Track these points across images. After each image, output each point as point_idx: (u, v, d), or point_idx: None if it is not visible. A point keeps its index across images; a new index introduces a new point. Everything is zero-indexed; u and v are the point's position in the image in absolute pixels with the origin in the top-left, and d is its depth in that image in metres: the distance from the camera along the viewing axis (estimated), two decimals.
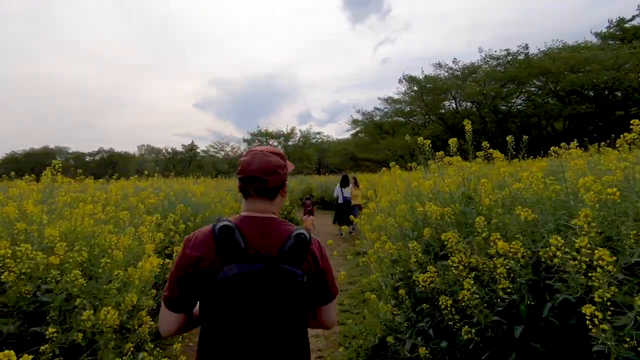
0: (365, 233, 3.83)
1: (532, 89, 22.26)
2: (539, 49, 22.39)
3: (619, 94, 19.26)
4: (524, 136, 3.35)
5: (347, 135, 40.73)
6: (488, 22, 66.68)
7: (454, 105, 25.51)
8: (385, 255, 3.33)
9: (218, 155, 42.99)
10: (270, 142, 36.54)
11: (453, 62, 24.10)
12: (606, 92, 19.50)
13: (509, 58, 22.46)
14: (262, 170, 1.19)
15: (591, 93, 19.49)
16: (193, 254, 1.13)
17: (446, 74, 24.35)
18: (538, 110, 20.71)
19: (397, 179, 4.00)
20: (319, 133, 39.63)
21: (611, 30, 24.73)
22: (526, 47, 21.88)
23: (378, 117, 30.54)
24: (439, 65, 24.02)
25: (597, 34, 24.93)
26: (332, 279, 1.28)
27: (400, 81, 24.41)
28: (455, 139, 3.42)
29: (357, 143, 32.68)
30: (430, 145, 3.13)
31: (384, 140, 27.86)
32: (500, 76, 21.18)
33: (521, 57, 22.11)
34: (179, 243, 4.84)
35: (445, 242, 2.30)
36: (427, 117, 28.99)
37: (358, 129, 33.31)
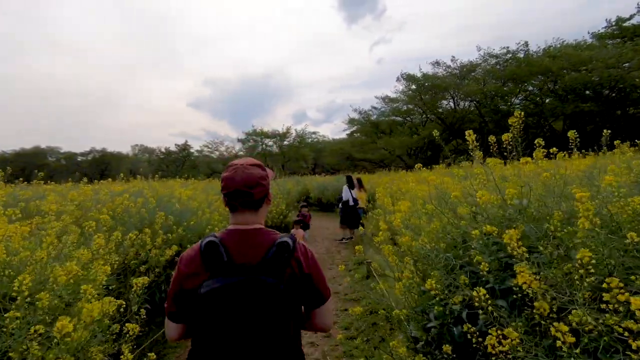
0: (387, 255, 3.01)
1: (530, 88, 21.72)
2: (538, 47, 21.87)
3: (615, 93, 18.75)
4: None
5: (343, 135, 40.07)
6: (483, 23, 66.43)
7: (452, 105, 24.89)
8: (411, 283, 2.57)
9: (212, 155, 42.07)
10: (266, 142, 35.71)
11: (451, 60, 23.47)
12: (606, 91, 18.97)
13: (509, 56, 21.87)
14: (246, 184, 1.25)
15: (592, 91, 18.89)
16: (183, 270, 1.22)
17: (444, 72, 23.72)
18: (539, 109, 20.10)
19: (429, 185, 3.19)
20: (314, 133, 38.88)
21: (609, 30, 24.30)
22: (526, 44, 21.31)
23: (375, 116, 29.85)
24: (437, 64, 23.38)
25: (594, 34, 24.49)
26: (322, 282, 1.29)
27: (398, 79, 23.76)
28: (492, 136, 2.69)
29: (353, 143, 31.95)
30: (475, 140, 2.34)
31: (381, 139, 27.14)
32: (501, 74, 20.56)
33: (521, 55, 21.55)
34: (158, 257, 4.11)
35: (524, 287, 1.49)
36: (424, 116, 28.37)
37: (354, 128, 32.59)
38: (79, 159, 49.63)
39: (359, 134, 32.98)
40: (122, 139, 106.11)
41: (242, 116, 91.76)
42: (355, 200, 9.19)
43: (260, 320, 1.16)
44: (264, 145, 35.59)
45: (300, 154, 35.46)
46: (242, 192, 1.24)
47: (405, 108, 28.65)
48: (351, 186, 9.31)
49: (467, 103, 24.93)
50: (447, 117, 24.40)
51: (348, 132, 35.61)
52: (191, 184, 9.09)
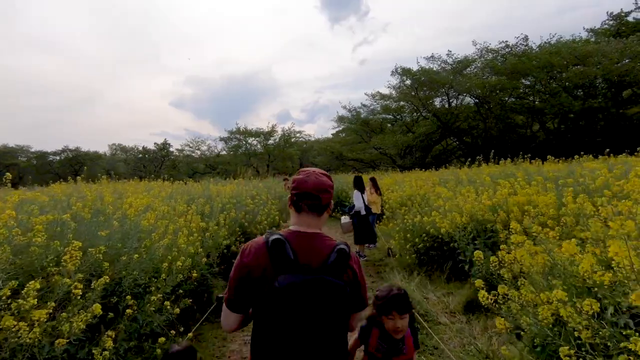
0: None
1: (527, 83, 20.31)
2: (534, 43, 20.50)
3: (621, 89, 17.55)
4: None
5: (328, 135, 38.11)
6: (466, 25, 65.75)
7: (447, 101, 23.26)
8: None
9: (194, 154, 39.33)
10: (250, 141, 33.34)
11: (447, 55, 21.85)
12: (607, 88, 17.71)
13: (507, 50, 20.41)
14: (317, 188, 1.34)
15: (599, 87, 17.53)
16: (248, 262, 1.26)
17: (439, 67, 22.08)
18: (542, 106, 18.61)
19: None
20: (300, 132, 36.73)
21: (605, 26, 23.28)
22: (525, 38, 19.88)
23: (365, 114, 28.00)
24: (432, 58, 21.70)
25: (590, 30, 23.43)
26: (365, 291, 1.40)
27: (393, 73, 21.92)
28: None
29: (343, 142, 30.00)
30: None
31: (373, 138, 25.26)
32: (500, 68, 18.99)
33: (519, 49, 20.12)
34: None
35: None
36: (416, 114, 26.70)
37: (343, 126, 30.67)
38: (50, 159, 46.23)
39: (345, 134, 31.14)
40: (100, 138, 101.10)
41: (225, 116, 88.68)
42: (367, 208, 7.19)
43: (326, 316, 1.22)
44: (247, 145, 33.22)
45: (286, 154, 33.30)
46: (312, 195, 1.32)
47: (396, 106, 26.97)
48: (362, 189, 7.29)
49: (464, 99, 23.37)
50: (443, 114, 22.74)
51: (334, 132, 33.78)
52: (157, 187, 6.89)
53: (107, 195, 4.74)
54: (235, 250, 5.86)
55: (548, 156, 8.04)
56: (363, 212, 7.15)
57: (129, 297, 2.72)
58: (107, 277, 2.55)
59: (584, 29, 20.50)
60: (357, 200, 7.14)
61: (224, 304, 1.34)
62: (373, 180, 7.68)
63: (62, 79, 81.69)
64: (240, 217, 6.46)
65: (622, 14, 22.64)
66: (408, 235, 5.79)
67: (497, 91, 19.05)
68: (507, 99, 19.83)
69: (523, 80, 19.96)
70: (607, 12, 23.13)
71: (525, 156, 8.62)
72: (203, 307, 4.48)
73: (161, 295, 2.99)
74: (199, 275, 4.36)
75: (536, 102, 19.69)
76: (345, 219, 7.20)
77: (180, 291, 3.53)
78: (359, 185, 7.29)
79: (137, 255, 2.95)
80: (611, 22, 23.08)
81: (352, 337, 2.21)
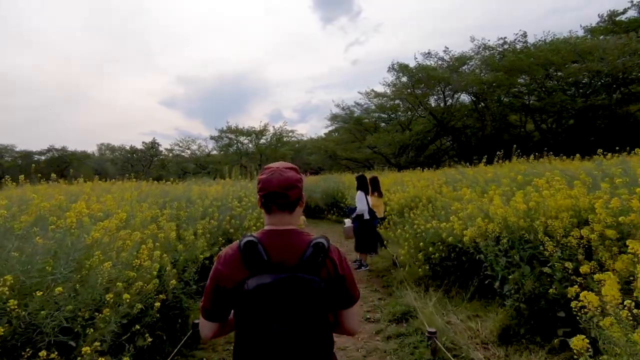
0: None
1: (522, 81, 19.70)
2: (534, 37, 19.86)
3: (623, 87, 17.01)
4: None
5: (320, 134, 37.20)
6: (459, 26, 65.50)
7: (443, 99, 22.54)
8: None
9: (184, 154, 38.09)
10: (241, 140, 32.28)
11: (444, 51, 21.11)
12: (608, 85, 17.13)
13: (505, 47, 19.74)
14: (282, 186, 1.24)
15: (601, 84, 16.94)
16: (222, 269, 1.20)
17: (435, 64, 21.33)
18: (541, 103, 17.96)
19: None
20: (292, 131, 35.74)
21: (601, 24, 22.84)
22: (524, 35, 19.21)
23: (358, 113, 27.19)
24: (429, 55, 20.94)
25: (586, 29, 22.96)
26: (353, 283, 1.29)
27: (389, 70, 21.08)
28: None
29: (337, 140, 29.12)
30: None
31: (368, 137, 24.43)
32: (498, 65, 18.30)
33: (518, 45, 19.49)
34: None
35: None
36: (411, 113, 25.98)
37: (337, 125, 29.81)
38: (35, 158, 44.81)
39: (338, 133, 30.28)
40: (89, 138, 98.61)
41: (217, 115, 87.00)
42: (371, 211, 6.33)
43: (302, 314, 1.15)
44: (239, 144, 32.14)
45: (278, 153, 32.29)
46: (278, 193, 1.24)
47: (391, 104, 26.23)
48: (366, 190, 6.42)
49: (459, 97, 22.70)
50: (438, 112, 22.02)
51: (326, 131, 32.88)
52: (129, 187, 5.93)
53: (57, 196, 3.79)
54: None
55: (549, 154, 7.31)
56: (367, 216, 6.28)
57: (43, 352, 1.80)
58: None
59: (580, 26, 19.83)
60: (361, 203, 6.26)
61: (200, 314, 1.29)
62: (374, 180, 6.82)
63: (47, 76, 79.20)
64: (225, 222, 5.55)
65: (616, 13, 22.22)
66: (421, 243, 4.94)
67: (494, 88, 18.35)
68: (503, 96, 19.14)
69: (520, 79, 19.37)
70: (599, 14, 22.67)
71: (524, 155, 7.95)
72: (176, 336, 3.58)
73: (99, 343, 2.07)
74: (171, 296, 3.47)
75: (531, 101, 19.01)
76: (348, 222, 6.33)
77: (137, 327, 2.62)
78: (362, 185, 6.42)
79: (59, 288, 2.02)
80: (605, 22, 22.65)
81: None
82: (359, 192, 6.36)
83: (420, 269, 5.01)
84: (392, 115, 26.95)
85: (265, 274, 1.14)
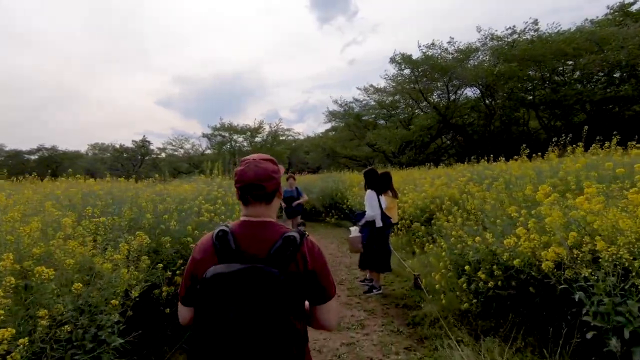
0: None
1: (531, 73, 18.17)
2: (539, 29, 18.32)
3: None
4: None
5: (317, 133, 35.56)
6: (458, 25, 63.90)
7: (446, 94, 20.97)
8: None
9: (177, 153, 36.31)
10: (236, 138, 30.58)
11: (449, 42, 19.54)
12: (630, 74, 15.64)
13: (515, 37, 18.24)
14: (258, 177, 1.22)
15: (623, 73, 15.43)
16: (196, 258, 1.20)
17: (438, 55, 19.74)
18: (557, 96, 16.43)
19: None
20: (288, 129, 34.05)
21: (609, 16, 21.45)
22: (535, 22, 17.70)
23: (358, 109, 25.61)
24: (432, 45, 19.34)
25: (593, 22, 21.55)
26: (326, 279, 1.23)
27: (391, 61, 19.41)
28: None
29: (336, 138, 27.52)
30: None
31: (367, 134, 22.84)
32: (509, 54, 16.77)
33: (528, 36, 17.99)
34: None
35: None
36: (411, 110, 24.45)
37: (334, 123, 28.19)
38: (25, 157, 43.20)
39: (336, 132, 28.69)
40: (83, 138, 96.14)
41: (214, 115, 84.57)
42: (385, 217, 4.72)
43: (257, 310, 1.08)
44: (232, 142, 30.42)
45: (274, 152, 30.63)
46: (255, 185, 1.22)
47: (390, 100, 24.67)
48: (378, 189, 4.80)
49: (463, 92, 21.16)
50: (442, 107, 20.47)
51: (323, 130, 31.25)
52: (62, 185, 4.27)
53: None
54: (168, 292, 3.40)
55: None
56: (379, 223, 4.67)
57: None
58: None
59: (586, 19, 18.26)
60: (371, 205, 4.64)
61: (179, 299, 1.29)
62: (387, 176, 5.19)
63: (40, 76, 76.48)
64: (189, 231, 3.92)
65: (626, 4, 20.88)
66: (467, 267, 3.33)
67: (507, 80, 16.80)
68: (516, 89, 17.58)
69: (530, 72, 17.88)
70: (607, 6, 21.30)
71: (535, 153, 6.53)
72: None
73: None
74: None
75: (544, 94, 17.43)
76: (355, 231, 4.71)
77: None
78: (373, 182, 4.80)
79: None
80: (615, 14, 21.28)
81: None
82: (368, 191, 4.74)
83: (465, 300, 3.41)
84: (392, 112, 25.42)
85: (225, 264, 1.11)
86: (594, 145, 5.65)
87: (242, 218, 1.26)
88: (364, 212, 4.76)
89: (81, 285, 2.12)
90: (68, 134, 70.73)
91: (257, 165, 1.24)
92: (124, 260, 2.73)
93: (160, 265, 3.48)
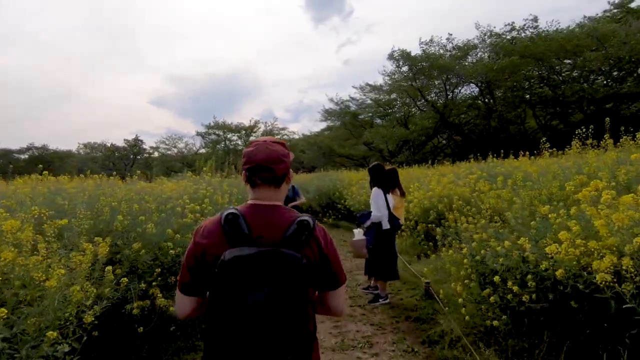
0: None
1: (531, 71, 17.81)
2: (538, 26, 17.97)
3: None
4: None
5: (313, 132, 34.98)
6: (454, 26, 63.72)
7: (444, 92, 20.55)
8: None
9: (170, 152, 35.56)
10: (229, 136, 29.95)
11: (447, 39, 19.13)
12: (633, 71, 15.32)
13: (514, 34, 17.87)
14: (268, 159, 1.17)
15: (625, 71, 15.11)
16: (202, 242, 1.13)
17: (436, 52, 19.32)
18: (557, 93, 16.07)
19: None
20: (284, 128, 33.46)
21: (607, 14, 21.21)
22: (535, 19, 17.35)
23: (354, 107, 25.12)
24: (431, 42, 18.91)
25: (591, 19, 21.30)
26: (338, 265, 1.21)
27: (389, 58, 18.92)
28: None
29: (332, 137, 27.01)
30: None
31: (367, 132, 22.35)
32: (510, 49, 16.38)
33: (527, 33, 17.61)
34: None
35: None
36: (408, 108, 23.99)
37: (330, 123, 27.65)
38: (14, 156, 42.25)
39: (332, 131, 28.18)
40: (76, 138, 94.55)
41: (208, 115, 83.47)
42: (393, 217, 4.21)
43: (279, 291, 1.03)
44: (227, 141, 29.77)
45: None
46: (264, 167, 1.17)
47: (387, 99, 24.20)
48: (385, 187, 4.28)
49: (461, 90, 20.75)
50: (440, 106, 20.05)
51: (318, 130, 30.68)
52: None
53: None
54: (143, 307, 2.87)
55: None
56: (386, 225, 4.16)
57: None
58: None
59: (584, 17, 17.94)
60: (378, 205, 4.12)
61: (177, 288, 1.18)
62: (394, 173, 4.68)
63: (31, 75, 74.91)
64: (169, 234, 3.38)
65: (626, 1, 20.66)
66: (496, 277, 2.82)
67: (510, 74, 16.38)
68: (519, 86, 17.19)
69: (529, 70, 17.52)
70: (609, 1, 21.08)
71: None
72: None
73: None
74: None
75: (544, 92, 17.06)
76: (359, 233, 4.19)
77: None
78: (379, 178, 4.28)
79: None
80: (614, 11, 21.04)
81: None
82: (374, 189, 4.22)
83: (492, 316, 2.91)
84: (389, 111, 24.97)
85: (244, 247, 1.05)
86: (601, 142, 5.19)
87: (250, 201, 1.20)
88: (368, 213, 4.24)
89: (5, 311, 1.58)
90: (61, 134, 69.37)
91: (267, 147, 1.19)
92: (85, 271, 2.19)
93: (133, 276, 2.95)
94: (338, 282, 1.21)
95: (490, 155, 7.52)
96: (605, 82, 15.83)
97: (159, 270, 3.12)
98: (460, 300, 3.28)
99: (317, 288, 1.21)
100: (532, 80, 18.13)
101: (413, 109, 23.69)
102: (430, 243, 5.99)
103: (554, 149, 5.75)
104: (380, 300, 4.26)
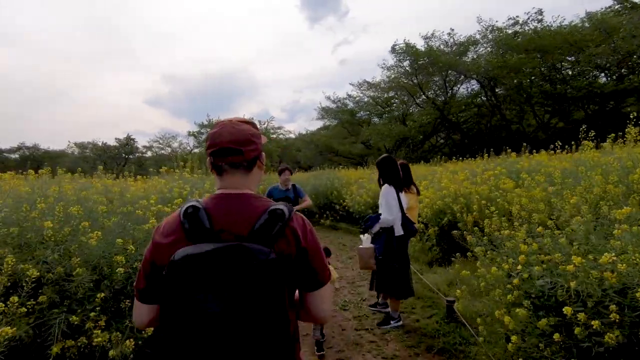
0: None
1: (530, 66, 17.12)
2: (543, 19, 17.28)
3: None
4: None
5: (309, 131, 34.19)
6: (451, 25, 63.18)
7: (444, 89, 19.83)
8: None
9: (163, 151, 34.58)
10: None
11: (448, 34, 18.39)
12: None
13: (517, 28, 17.18)
14: (235, 140, 0.98)
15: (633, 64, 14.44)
16: (161, 242, 0.95)
17: (436, 48, 18.58)
18: (565, 87, 15.38)
19: None
20: (279, 128, 32.55)
21: (609, 9, 20.65)
22: (539, 12, 16.65)
23: (351, 105, 24.35)
24: (432, 37, 18.16)
25: (591, 15, 20.72)
26: (319, 260, 1.01)
27: (392, 51, 18.06)
28: None
29: (330, 135, 26.20)
30: None
31: (363, 129, 21.61)
32: (515, 44, 15.68)
33: (531, 26, 16.93)
34: None
35: None
36: (407, 106, 23.26)
37: (327, 121, 26.85)
38: (4, 156, 41.36)
39: (328, 129, 27.40)
40: (69, 138, 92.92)
41: (204, 115, 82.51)
42: (407, 221, 3.41)
43: (244, 297, 0.83)
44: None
45: (265, 150, 29.07)
46: (231, 149, 0.98)
47: (385, 97, 23.46)
48: (398, 184, 3.47)
49: (461, 88, 20.05)
50: (441, 102, 19.33)
51: (314, 129, 29.83)
52: None
53: None
54: (73, 347, 2.05)
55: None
56: (399, 232, 3.36)
57: None
58: None
59: (585, 12, 17.29)
60: (389, 206, 3.31)
61: (134, 296, 1.02)
62: (406, 168, 3.88)
63: (25, 74, 73.30)
64: (118, 245, 2.56)
65: None
66: (567, 310, 2.03)
67: (515, 71, 15.67)
68: (524, 80, 16.47)
69: (533, 66, 16.85)
70: None
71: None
72: None
73: None
74: None
75: (534, 89, 16.38)
76: (366, 241, 3.38)
77: None
78: (390, 174, 3.45)
79: None
80: (617, 7, 20.47)
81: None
82: (385, 186, 3.41)
83: (555, 357, 2.11)
84: (386, 109, 24.23)
85: (201, 244, 0.87)
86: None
87: (217, 191, 1.03)
88: (377, 216, 3.43)
89: None
90: (55, 133, 68.06)
91: (234, 127, 1.01)
92: None
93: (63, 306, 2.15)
94: (319, 281, 1.01)
95: (491, 153, 6.91)
96: (612, 77, 15.18)
97: (103, 295, 2.30)
98: (501, 328, 2.49)
99: (296, 287, 1.03)
100: (533, 78, 17.49)
101: (411, 108, 23.00)
102: (443, 245, 5.22)
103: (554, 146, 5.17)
104: (392, 322, 3.45)
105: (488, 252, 2.81)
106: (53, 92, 72.40)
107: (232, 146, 0.97)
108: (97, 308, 2.30)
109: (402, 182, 3.51)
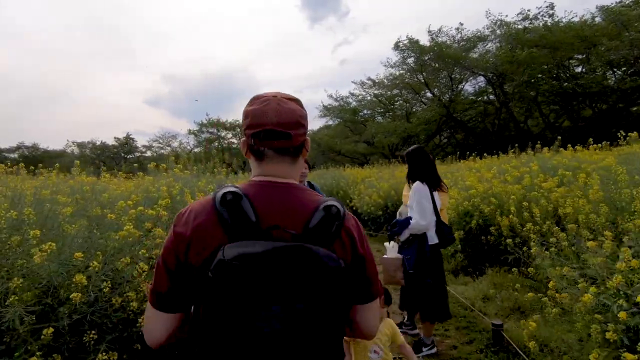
0: None
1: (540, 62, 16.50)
2: (555, 13, 16.64)
3: None
4: None
5: (311, 129, 33.53)
6: (451, 25, 62.47)
7: (450, 86, 19.19)
8: None
9: (163, 151, 33.99)
10: (224, 135, 28.46)
11: (457, 29, 17.74)
12: None
13: (527, 23, 16.53)
14: (283, 122, 0.80)
15: None
16: (186, 233, 0.74)
17: (444, 43, 17.97)
18: (572, 84, 14.76)
19: None
20: None
21: (620, 5, 20.03)
22: (551, 6, 15.99)
23: (354, 104, 23.73)
24: (439, 32, 17.49)
25: (603, 10, 20.08)
26: (374, 269, 0.86)
27: (395, 48, 17.39)
28: None
29: (332, 134, 25.58)
30: None
31: (366, 128, 21.02)
32: (526, 39, 15.05)
33: (541, 21, 16.30)
34: None
35: None
36: (410, 105, 22.63)
37: (329, 120, 26.23)
38: (3, 155, 40.85)
39: (329, 129, 26.81)
40: (69, 137, 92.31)
41: (203, 114, 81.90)
42: (444, 227, 2.79)
43: (307, 308, 0.67)
44: (221, 139, 28.23)
45: None
46: (277, 132, 0.79)
47: (388, 95, 22.82)
48: (432, 182, 2.84)
49: (467, 85, 19.42)
50: (447, 100, 18.71)
51: (317, 127, 29.22)
52: None
53: None
54: None
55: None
56: (433, 240, 2.74)
57: None
58: None
59: (596, 7, 16.63)
60: (421, 208, 2.68)
61: (148, 303, 0.78)
62: (426, 161, 3.23)
63: (25, 74, 72.75)
64: (75, 262, 1.93)
65: None
66: None
67: (525, 67, 15.05)
68: (535, 77, 15.86)
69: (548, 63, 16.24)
70: None
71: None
72: None
73: None
74: None
75: (543, 87, 15.75)
76: (392, 249, 2.76)
77: None
78: (421, 169, 2.83)
79: None
80: (629, 1, 19.84)
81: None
82: (416, 184, 2.78)
83: None
84: (390, 107, 23.62)
85: (248, 241, 0.69)
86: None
87: (255, 178, 0.83)
88: (406, 220, 2.80)
89: None
90: (55, 133, 67.52)
91: (280, 105, 0.81)
92: None
93: None
94: (372, 292, 0.85)
95: (507, 151, 6.37)
96: (626, 73, 14.57)
97: (50, 331, 1.68)
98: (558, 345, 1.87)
99: (349, 300, 0.82)
100: (541, 76, 16.89)
101: (414, 107, 22.39)
102: (469, 250, 4.61)
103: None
104: (424, 349, 2.82)
105: (557, 267, 2.17)
106: (53, 92, 71.86)
107: (279, 129, 0.80)
108: (44, 348, 1.69)
109: (436, 179, 2.89)
